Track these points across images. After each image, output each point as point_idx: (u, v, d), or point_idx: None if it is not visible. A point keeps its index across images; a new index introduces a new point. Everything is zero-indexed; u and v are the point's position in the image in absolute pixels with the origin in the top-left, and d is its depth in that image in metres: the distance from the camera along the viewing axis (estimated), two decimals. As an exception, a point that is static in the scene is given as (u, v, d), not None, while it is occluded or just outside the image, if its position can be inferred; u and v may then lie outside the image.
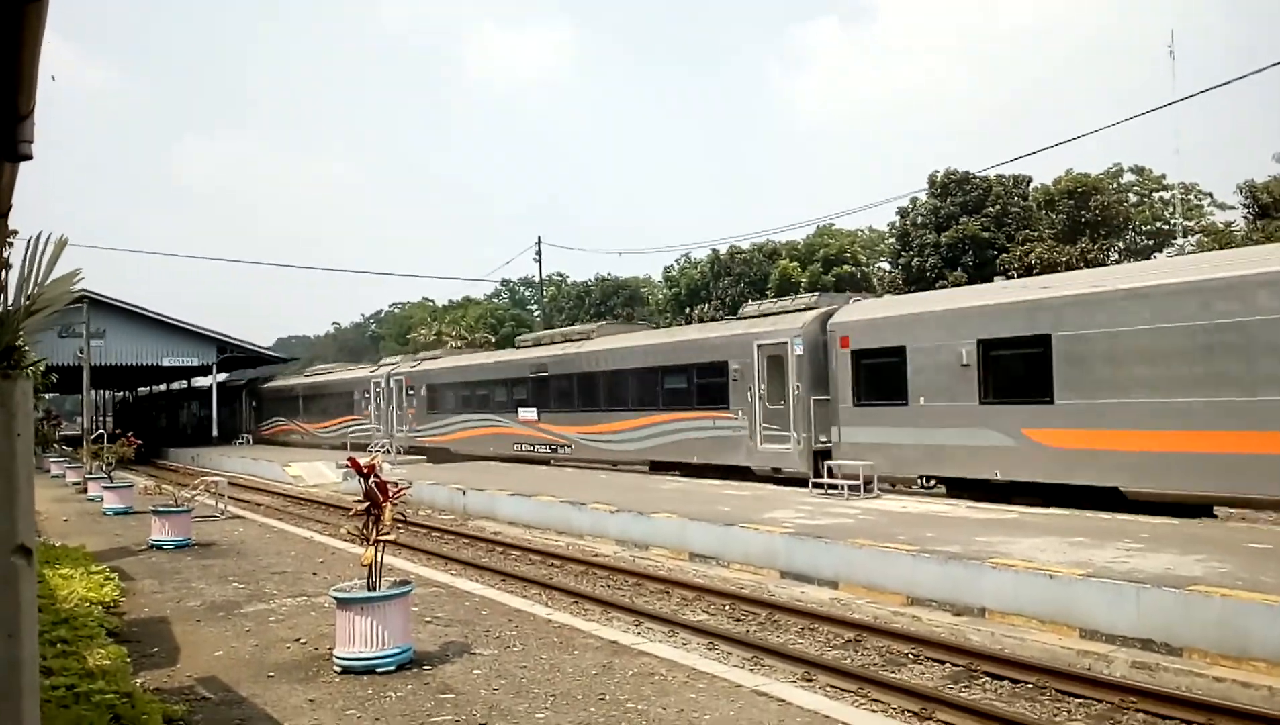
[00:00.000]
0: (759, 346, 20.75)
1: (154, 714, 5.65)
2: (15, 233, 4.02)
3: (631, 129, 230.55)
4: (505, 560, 15.63)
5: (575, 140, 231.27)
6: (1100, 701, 7.56)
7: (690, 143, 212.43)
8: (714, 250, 53.51)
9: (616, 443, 25.39)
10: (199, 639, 8.42)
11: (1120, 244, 44.32)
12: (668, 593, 12.33)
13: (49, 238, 3.33)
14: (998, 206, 42.07)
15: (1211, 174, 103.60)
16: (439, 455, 33.67)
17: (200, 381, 59.16)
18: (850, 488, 16.63)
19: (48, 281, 3.29)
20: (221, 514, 18.72)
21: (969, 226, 41.33)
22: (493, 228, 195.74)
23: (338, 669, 7.07)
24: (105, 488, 20.27)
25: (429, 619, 8.84)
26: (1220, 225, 42.88)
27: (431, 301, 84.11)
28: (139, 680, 6.84)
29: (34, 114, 3.35)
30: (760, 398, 20.61)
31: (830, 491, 16.97)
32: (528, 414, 29.17)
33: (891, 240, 49.99)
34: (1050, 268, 32.16)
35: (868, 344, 18.35)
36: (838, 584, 11.79)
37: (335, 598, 7.18)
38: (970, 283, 31.90)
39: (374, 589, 7.08)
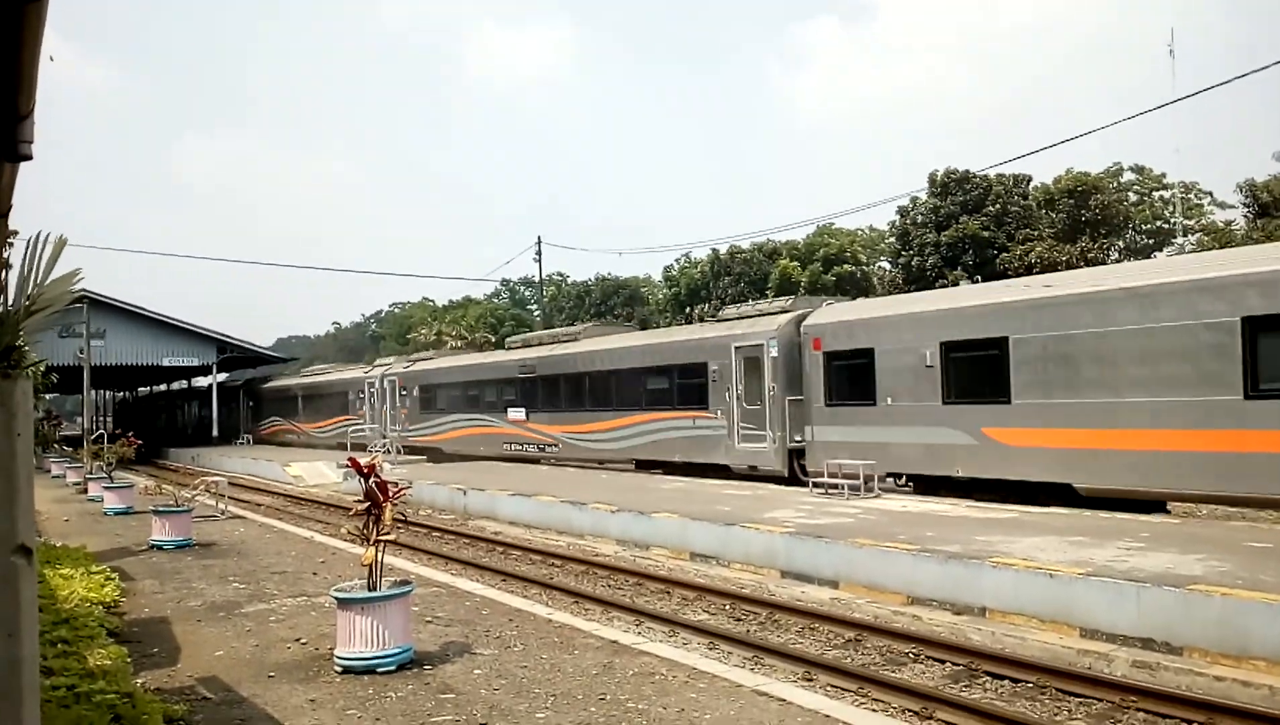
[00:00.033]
0: (736, 348, 21.32)
1: (154, 714, 5.65)
2: (15, 233, 4.02)
3: (631, 128, 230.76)
4: (506, 560, 15.63)
5: (575, 139, 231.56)
6: (1101, 701, 7.56)
7: (690, 142, 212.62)
8: (714, 250, 53.57)
9: (602, 442, 25.89)
10: (199, 639, 8.42)
11: (1120, 243, 44.30)
12: (668, 592, 12.33)
13: (48, 238, 3.33)
14: (998, 206, 42.07)
15: (1211, 173, 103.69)
16: (435, 455, 33.98)
17: (200, 381, 59.21)
18: (850, 487, 16.64)
19: (48, 282, 3.29)
20: (222, 514, 18.72)
21: (969, 226, 41.33)
22: (493, 228, 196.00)
23: (338, 669, 7.07)
24: (106, 488, 20.28)
25: (429, 619, 8.85)
26: (1220, 224, 42.86)
27: (432, 301, 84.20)
28: (139, 680, 6.85)
29: (34, 114, 3.34)
30: (738, 398, 21.19)
31: (830, 491, 16.98)
32: (517, 414, 29.68)
33: (892, 239, 49.98)
34: (1050, 267, 32.17)
35: (838, 346, 18.95)
36: (838, 583, 11.79)
37: (336, 598, 7.18)
38: (972, 281, 31.95)
39: (374, 589, 7.08)
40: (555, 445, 27.97)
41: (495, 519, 19.87)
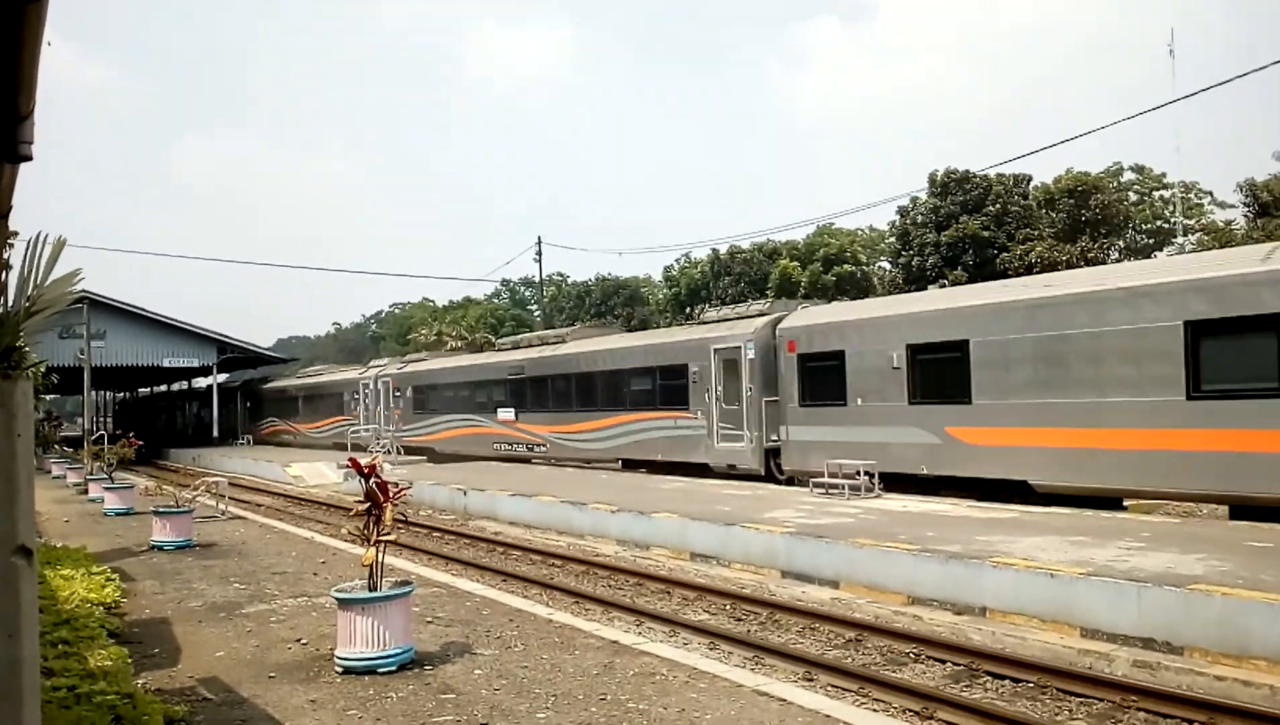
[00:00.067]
0: (716, 350, 21.91)
1: (155, 715, 5.65)
2: (16, 234, 4.01)
3: (631, 128, 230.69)
4: (506, 560, 15.62)
5: (575, 139, 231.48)
6: (1102, 700, 7.55)
7: (690, 142, 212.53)
8: (714, 250, 53.58)
9: (588, 442, 26.46)
10: (200, 640, 8.42)
11: (1121, 243, 44.28)
12: (669, 592, 12.33)
13: (48, 238, 3.33)
14: (998, 205, 42.04)
15: (1212, 172, 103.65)
16: (432, 455, 34.38)
17: (200, 382, 59.21)
18: (851, 487, 16.65)
19: (47, 282, 3.29)
20: (222, 515, 18.72)
21: (969, 225, 41.30)
22: (493, 228, 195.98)
23: (339, 669, 7.07)
24: (106, 488, 20.27)
25: (430, 619, 8.85)
26: (1221, 224, 42.84)
27: (432, 302, 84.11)
28: (140, 681, 6.85)
29: (34, 115, 3.34)
30: (717, 399, 21.80)
31: (831, 491, 16.99)
32: (506, 414, 30.32)
33: (892, 239, 49.94)
34: (1050, 267, 32.17)
35: (812, 348, 19.57)
36: (839, 583, 11.79)
37: (336, 598, 7.18)
38: (971, 282, 31.98)
39: (375, 589, 7.08)
40: (543, 445, 28.51)
41: (495, 519, 19.87)
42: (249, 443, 49.87)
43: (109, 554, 13.38)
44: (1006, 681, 8.17)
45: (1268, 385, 12.49)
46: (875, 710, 7.43)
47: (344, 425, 40.87)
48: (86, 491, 23.38)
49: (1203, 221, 46.24)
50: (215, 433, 48.40)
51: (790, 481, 19.94)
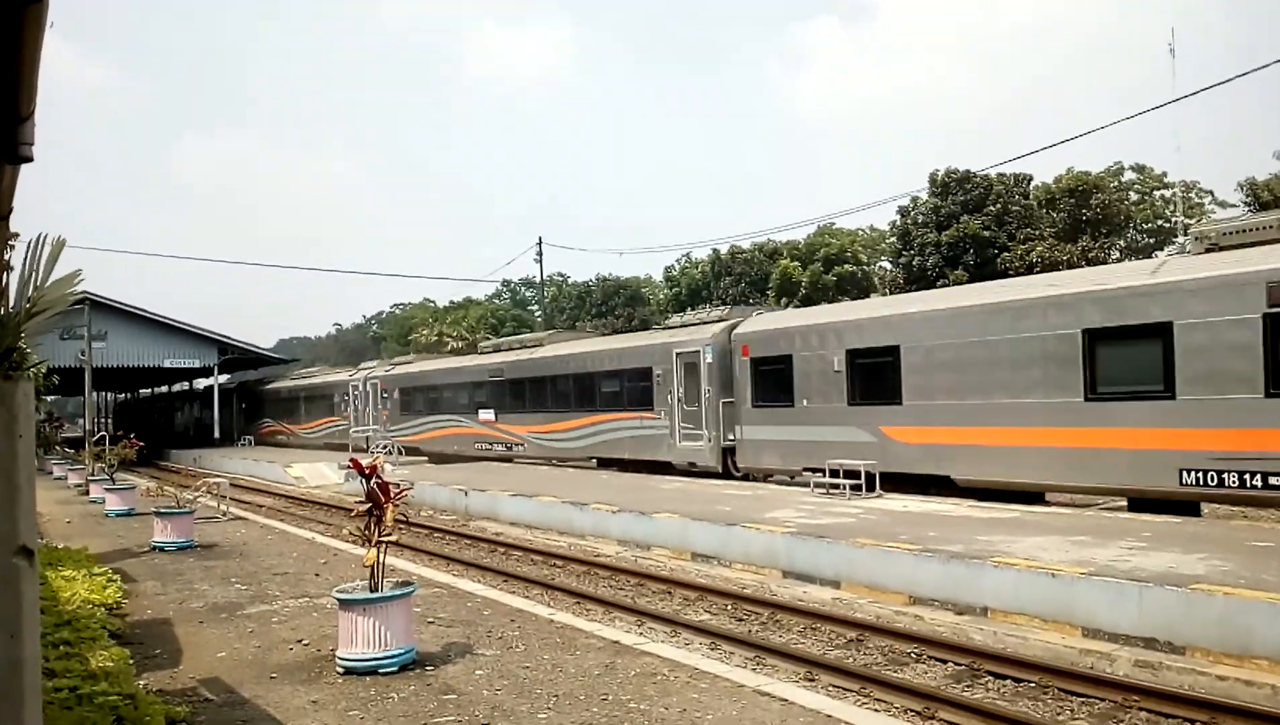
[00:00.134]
0: (677, 354, 23.15)
1: (157, 715, 5.65)
2: (16, 235, 4.01)
3: (631, 128, 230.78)
4: (507, 561, 15.63)
5: (575, 140, 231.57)
6: (1103, 700, 7.55)
7: (690, 142, 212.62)
8: (715, 250, 53.60)
9: (562, 441, 27.56)
10: (201, 640, 8.42)
11: (1121, 242, 44.27)
12: (670, 593, 12.33)
13: (48, 239, 3.32)
14: (998, 205, 42.00)
15: (1212, 172, 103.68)
16: (414, 455, 34.72)
17: (201, 383, 59.19)
18: (851, 487, 16.66)
19: (48, 283, 3.28)
20: (223, 515, 18.73)
21: (970, 225, 41.27)
22: (493, 228, 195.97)
23: (340, 670, 7.07)
24: (107, 489, 20.27)
25: (431, 620, 8.84)
26: (1221, 223, 42.77)
27: (433, 302, 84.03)
28: (142, 682, 6.85)
29: (34, 115, 3.34)
30: (679, 400, 23.00)
31: (831, 491, 17.00)
32: (487, 415, 31.52)
33: (892, 239, 49.88)
34: (1051, 266, 32.17)
35: (763, 353, 20.71)
36: (840, 584, 11.78)
37: (337, 599, 7.18)
38: (970, 282, 32.02)
39: (376, 590, 7.08)
40: (521, 444, 29.58)
41: (496, 520, 19.87)
42: (250, 443, 49.94)
43: (110, 555, 13.38)
44: (1008, 681, 8.17)
45: (1155, 388, 13.55)
46: (877, 710, 7.42)
47: (335, 426, 42.05)
48: (88, 492, 23.39)
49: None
50: (216, 434, 48.41)
51: (746, 477, 21.15)
